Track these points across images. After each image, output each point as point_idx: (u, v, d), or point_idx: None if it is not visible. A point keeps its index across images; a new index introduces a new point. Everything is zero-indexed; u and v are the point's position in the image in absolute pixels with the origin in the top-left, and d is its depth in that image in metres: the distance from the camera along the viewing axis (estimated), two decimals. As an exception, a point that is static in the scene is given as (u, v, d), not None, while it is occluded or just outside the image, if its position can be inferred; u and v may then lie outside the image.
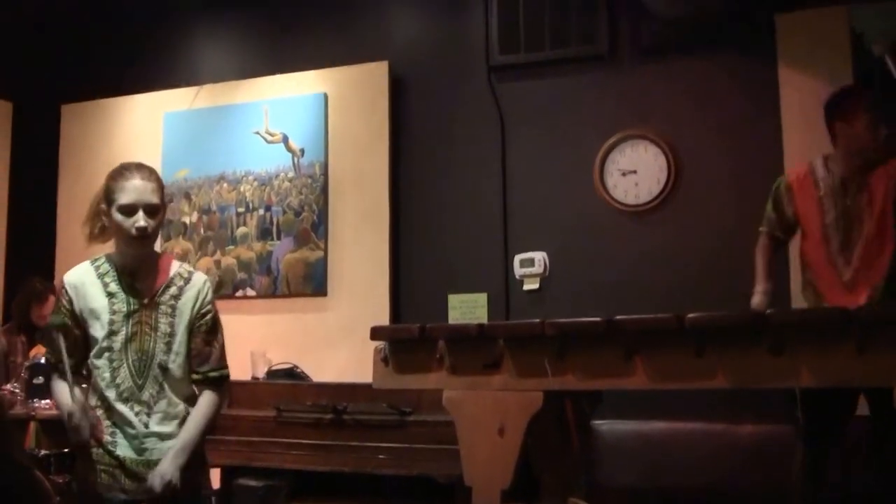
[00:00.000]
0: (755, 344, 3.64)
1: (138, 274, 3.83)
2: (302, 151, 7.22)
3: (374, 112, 7.11)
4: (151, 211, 3.74)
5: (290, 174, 7.23)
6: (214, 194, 7.42)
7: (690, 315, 3.73)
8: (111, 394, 3.75)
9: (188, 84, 7.73)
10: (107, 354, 3.76)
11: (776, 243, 5.15)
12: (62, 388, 3.77)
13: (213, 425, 3.96)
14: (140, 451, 3.75)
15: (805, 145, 5.80)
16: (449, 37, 7.14)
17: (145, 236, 3.74)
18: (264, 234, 7.25)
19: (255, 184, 7.30)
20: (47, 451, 5.97)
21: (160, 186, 3.82)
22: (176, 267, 3.93)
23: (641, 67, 6.59)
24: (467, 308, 6.63)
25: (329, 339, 6.93)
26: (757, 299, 4.91)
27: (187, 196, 7.43)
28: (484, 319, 6.43)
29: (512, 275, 6.65)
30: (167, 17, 7.94)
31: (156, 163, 7.48)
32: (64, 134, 8.14)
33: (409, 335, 4.20)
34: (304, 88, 7.33)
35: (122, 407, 3.74)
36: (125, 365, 3.75)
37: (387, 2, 7.35)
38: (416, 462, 5.58)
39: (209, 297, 3.92)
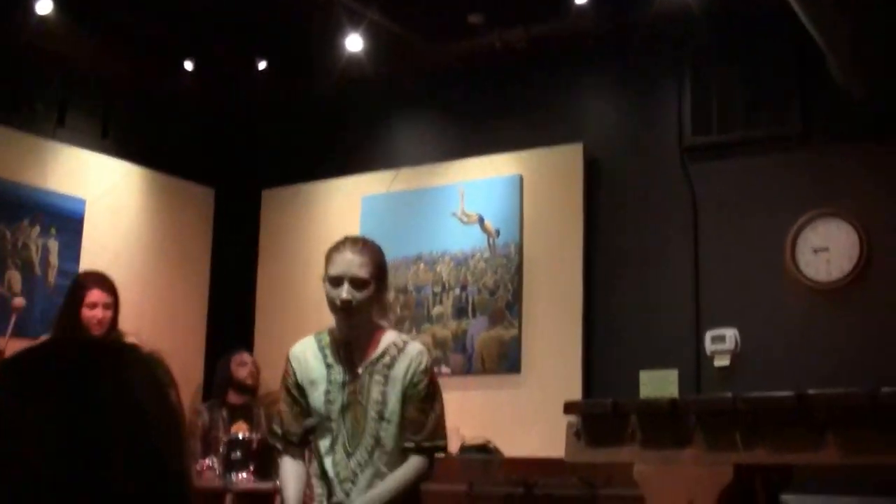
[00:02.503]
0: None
1: (354, 345, 3.92)
2: (497, 232, 7.36)
3: (569, 193, 7.22)
4: (357, 284, 3.80)
5: (486, 254, 7.38)
6: (411, 275, 7.62)
7: (884, 390, 3.71)
8: (328, 462, 3.88)
9: (385, 168, 7.98)
10: (324, 423, 3.89)
11: None
12: (287, 477, 3.96)
13: (412, 490, 3.96)
14: None
15: None
16: (642, 118, 7.24)
17: (348, 309, 3.80)
18: (460, 312, 7.40)
19: (451, 264, 7.47)
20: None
21: (373, 261, 3.88)
22: (391, 337, 3.99)
23: (834, 147, 6.56)
24: (658, 384, 6.61)
25: (521, 415, 7.01)
26: None
27: (385, 276, 7.61)
28: (675, 395, 6.42)
29: (703, 351, 6.65)
30: (364, 104, 8.23)
31: (354, 245, 7.75)
32: (264, 218, 8.48)
33: (602, 410, 4.26)
34: (499, 170, 7.49)
35: (331, 474, 3.87)
36: (341, 434, 3.86)
37: (580, 84, 7.49)
38: (608, 536, 5.62)
39: (423, 365, 3.94)
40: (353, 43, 7.33)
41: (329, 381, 3.90)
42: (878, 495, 5.50)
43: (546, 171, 7.36)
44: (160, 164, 8.07)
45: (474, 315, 7.36)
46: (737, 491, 4.06)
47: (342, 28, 7.25)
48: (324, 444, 3.90)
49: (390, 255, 7.41)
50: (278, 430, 4.02)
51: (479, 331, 7.32)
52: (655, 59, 7.18)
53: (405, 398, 3.90)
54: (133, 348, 1.54)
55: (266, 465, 6.24)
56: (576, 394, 6.72)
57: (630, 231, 7.11)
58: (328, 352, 3.96)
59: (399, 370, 3.91)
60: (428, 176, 7.78)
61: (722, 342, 6.58)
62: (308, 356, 3.98)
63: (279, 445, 4.02)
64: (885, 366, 5.98)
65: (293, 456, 4.00)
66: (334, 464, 3.87)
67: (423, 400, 3.92)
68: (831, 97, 6.46)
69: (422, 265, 7.60)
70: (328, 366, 3.93)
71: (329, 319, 4.00)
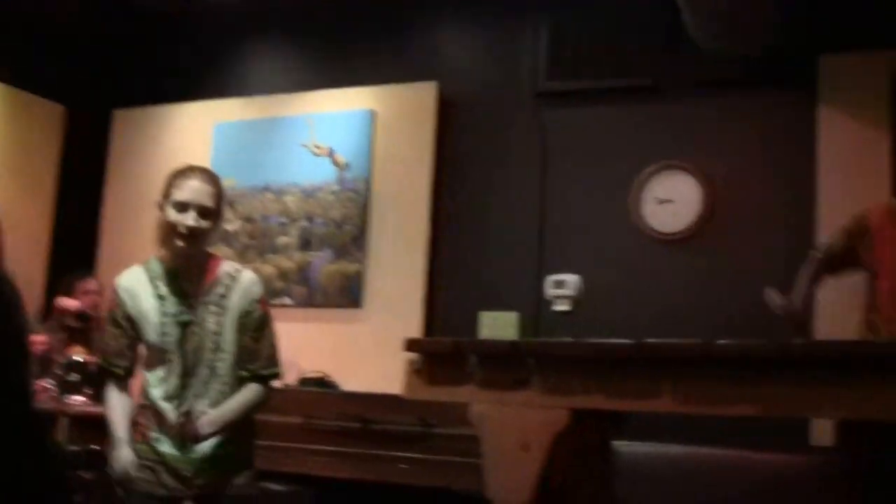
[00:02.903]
0: (784, 372, 3.70)
1: (187, 275, 3.89)
2: (347, 166, 7.33)
3: (420, 131, 7.21)
4: (204, 213, 3.79)
5: (335, 188, 7.34)
6: (258, 204, 7.54)
7: (720, 341, 3.79)
8: (158, 392, 3.83)
9: (239, 95, 7.86)
10: (158, 355, 3.83)
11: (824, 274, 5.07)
12: (114, 407, 3.89)
13: (252, 412, 3.98)
14: (181, 448, 3.82)
15: (839, 187, 5.86)
16: (498, 60, 7.24)
17: (192, 235, 3.78)
18: (305, 244, 7.36)
19: (299, 195, 7.41)
20: (77, 448, 6.05)
21: (218, 193, 3.88)
22: (226, 267, 3.98)
23: (684, 100, 6.66)
24: (498, 326, 6.65)
25: (361, 350, 7.02)
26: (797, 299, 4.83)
27: (231, 205, 7.42)
28: (514, 338, 6.49)
29: (544, 295, 6.73)
30: (222, 29, 8.07)
31: (203, 171, 7.62)
32: (114, 138, 8.29)
33: (442, 349, 4.28)
34: (352, 104, 7.44)
35: (165, 405, 3.81)
36: (175, 365, 3.82)
37: (438, 23, 7.46)
38: (439, 474, 5.67)
39: (256, 294, 3.95)
40: (212, -36, 7.17)
41: (163, 314, 3.85)
42: (707, 445, 5.66)
43: (399, 107, 7.34)
44: (9, 76, 7.78)
45: (319, 248, 7.32)
46: (571, 436, 4.12)
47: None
48: (157, 376, 3.85)
49: (239, 183, 7.44)
50: (103, 361, 3.97)
51: (323, 263, 7.29)
52: (515, 1, 7.17)
53: (240, 327, 3.89)
54: None
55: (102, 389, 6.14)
56: (416, 331, 6.77)
57: (479, 172, 7.13)
58: (160, 283, 3.89)
59: (234, 299, 3.90)
60: (281, 105, 7.68)
61: (563, 287, 6.66)
62: (138, 288, 3.90)
63: (108, 380, 3.96)
64: (724, 316, 6.15)
65: (119, 388, 3.94)
66: (165, 394, 3.82)
67: (257, 328, 3.93)
68: (685, 50, 6.51)
69: (269, 195, 7.52)
70: (160, 297, 3.87)
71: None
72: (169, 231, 3.82)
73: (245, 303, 3.91)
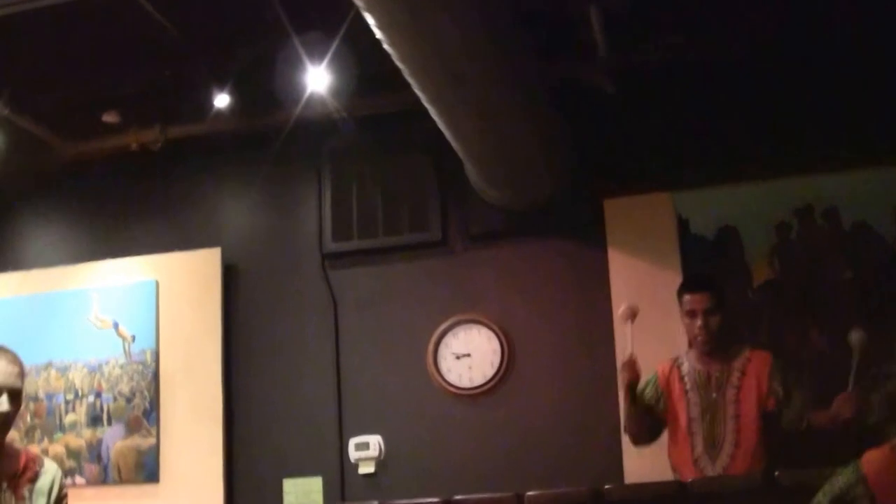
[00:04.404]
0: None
1: None
2: (133, 338, 7.14)
3: (206, 298, 7.09)
4: (14, 396, 3.62)
5: (121, 361, 7.13)
6: (42, 382, 7.25)
7: (530, 493, 3.80)
8: None
9: (13, 270, 7.57)
10: None
11: None
12: None
13: None
14: None
15: (635, 327, 5.96)
16: (282, 224, 7.22)
17: (5, 421, 3.61)
18: (94, 421, 7.10)
19: (85, 371, 7.18)
20: None
21: (23, 372, 3.71)
22: (26, 451, 3.83)
23: (473, 253, 6.77)
24: (302, 492, 6.55)
25: (160, 529, 6.77)
26: None
27: (12, 383, 7.17)
28: (319, 504, 6.38)
29: (347, 458, 6.63)
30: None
31: (-24, 351, 7.29)
32: None
33: None
34: (134, 275, 7.27)
35: None
36: None
37: (219, 189, 7.39)
38: None
39: (63, 482, 3.81)
40: (-21, 136, 6.93)
41: None
42: None
43: (183, 275, 7.21)
44: None
45: (109, 423, 7.08)
46: None
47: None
48: None
49: (20, 361, 7.12)
50: None
51: (114, 439, 7.03)
52: (295, 164, 7.19)
53: None
54: None
55: None
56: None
57: (271, 338, 7.04)
58: None
59: (44, 484, 3.73)
60: (61, 279, 7.42)
61: (366, 449, 6.58)
62: None
63: None
64: (530, 468, 6.17)
65: None
66: None
67: None
68: (469, 203, 6.70)
69: (53, 372, 7.25)
70: None
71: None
72: None
73: (57, 490, 3.75)
